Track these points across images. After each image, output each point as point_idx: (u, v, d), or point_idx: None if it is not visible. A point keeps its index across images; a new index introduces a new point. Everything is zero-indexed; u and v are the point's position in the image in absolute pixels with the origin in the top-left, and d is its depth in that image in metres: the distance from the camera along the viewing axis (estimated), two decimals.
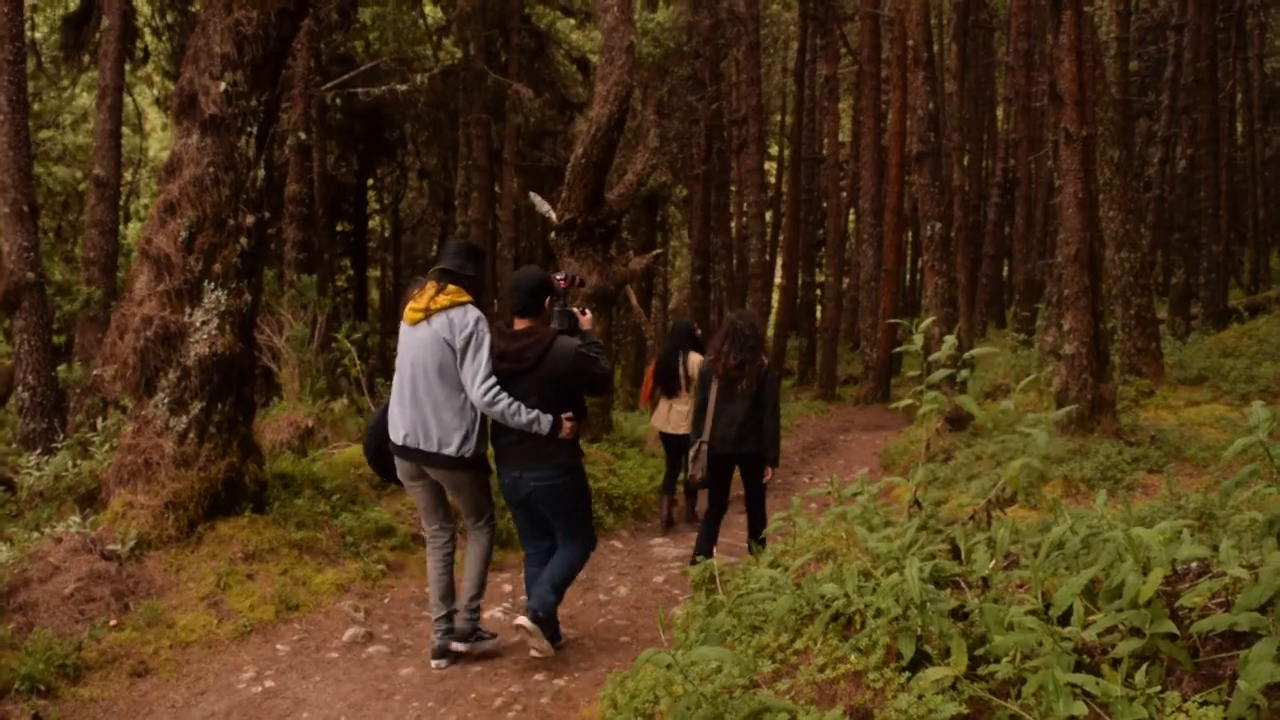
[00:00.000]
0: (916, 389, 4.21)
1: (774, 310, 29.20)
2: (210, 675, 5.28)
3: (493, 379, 4.89)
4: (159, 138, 21.92)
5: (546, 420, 4.99)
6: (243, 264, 6.64)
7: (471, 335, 4.87)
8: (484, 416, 5.05)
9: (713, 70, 25.41)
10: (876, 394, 20.80)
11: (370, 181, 28.44)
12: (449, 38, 22.73)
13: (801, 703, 3.26)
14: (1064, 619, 2.96)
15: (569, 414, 5.11)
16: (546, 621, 5.21)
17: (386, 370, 19.72)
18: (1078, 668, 2.84)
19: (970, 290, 24.84)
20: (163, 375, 6.40)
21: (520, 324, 5.10)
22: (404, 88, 17.43)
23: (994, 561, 3.57)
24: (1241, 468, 3.02)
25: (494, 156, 22.88)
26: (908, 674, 3.17)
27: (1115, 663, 2.72)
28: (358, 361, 9.88)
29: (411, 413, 5.00)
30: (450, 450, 4.98)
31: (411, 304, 5.06)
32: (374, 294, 34.42)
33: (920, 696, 2.99)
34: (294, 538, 6.68)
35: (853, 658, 3.35)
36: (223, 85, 6.53)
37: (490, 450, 5.29)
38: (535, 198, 11.33)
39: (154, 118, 21.42)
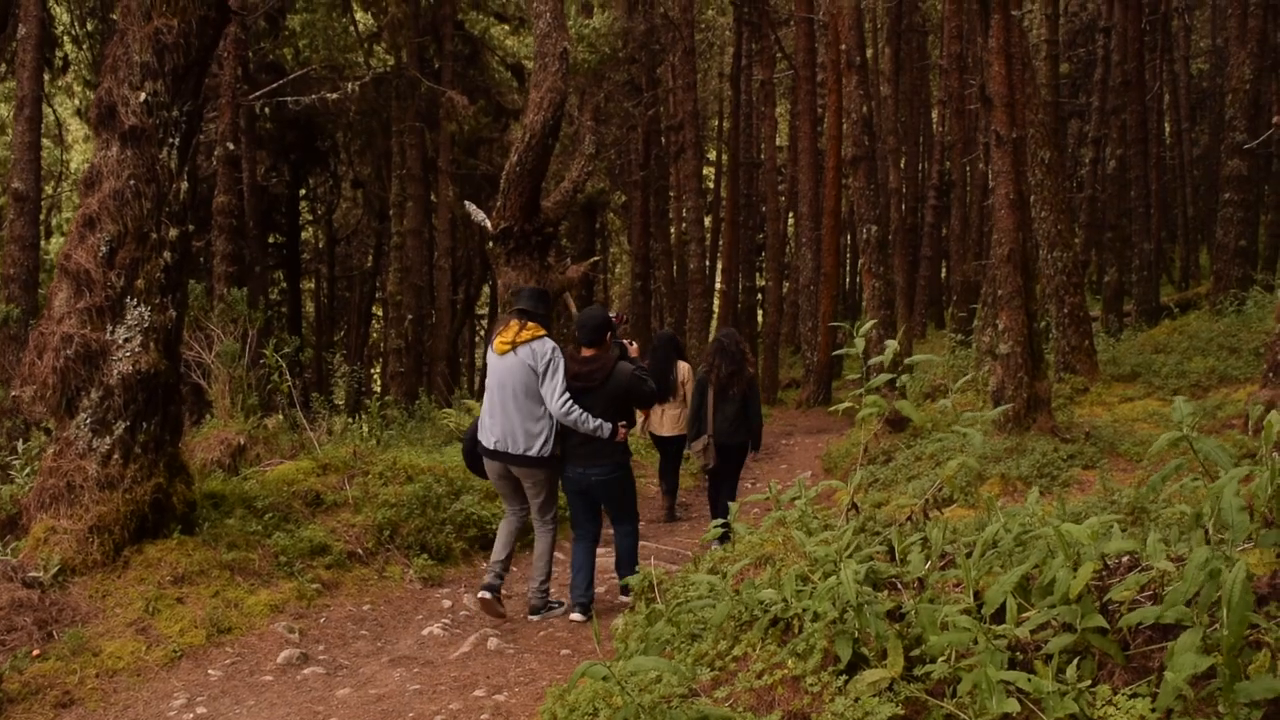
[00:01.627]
0: (857, 392, 4.22)
1: (714, 316, 29.31)
2: (139, 704, 5.12)
3: (568, 394, 6.15)
4: (81, 150, 21.43)
5: (607, 427, 6.22)
6: (167, 279, 6.48)
7: (550, 361, 6.13)
8: (556, 425, 6.25)
9: (649, 76, 25.45)
10: (818, 397, 20.94)
11: (303, 192, 28.06)
12: (380, 44, 22.50)
13: (740, 709, 3.23)
14: (998, 617, 2.97)
15: (624, 422, 6.36)
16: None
17: (322, 385, 19.45)
18: (1011, 665, 2.84)
19: (909, 292, 25.17)
20: (85, 395, 6.22)
21: (587, 352, 6.38)
22: (335, 96, 17.18)
23: (929, 562, 3.57)
24: (1170, 462, 3.04)
25: (429, 165, 22.68)
26: (845, 677, 3.16)
27: (1048, 658, 2.72)
28: (288, 376, 9.69)
29: (502, 423, 6.22)
30: (532, 452, 6.21)
31: (499, 338, 6.31)
32: (309, 306, 33.96)
33: (857, 699, 2.97)
34: (225, 559, 6.52)
35: (790, 663, 3.33)
36: (143, 95, 6.37)
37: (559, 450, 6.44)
38: (470, 206, 11.22)
39: (76, 129, 20.94)
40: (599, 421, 6.18)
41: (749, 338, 29.88)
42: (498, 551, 6.51)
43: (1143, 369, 12.46)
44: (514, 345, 6.21)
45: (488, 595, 6.31)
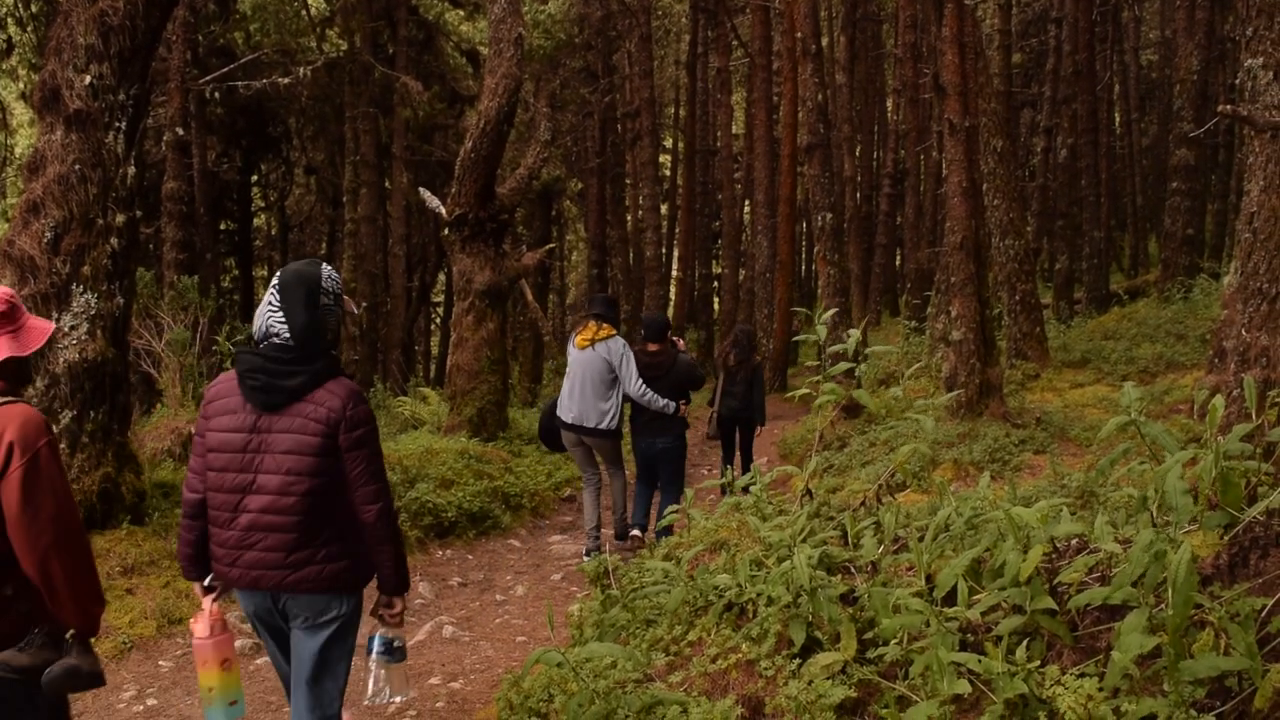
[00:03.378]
0: (813, 379, 4.24)
1: (671, 303, 29.33)
2: (88, 696, 5.04)
3: (641, 379, 7.45)
4: (26, 134, 20.95)
5: (672, 405, 7.56)
6: (114, 265, 6.37)
7: (623, 355, 7.45)
8: (621, 405, 7.55)
9: (605, 63, 25.38)
10: (774, 384, 20.99)
11: (254, 178, 27.64)
12: (333, 29, 22.20)
13: (694, 694, 3.24)
14: (950, 599, 3.00)
15: (683, 400, 7.72)
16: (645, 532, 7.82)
17: None
18: (962, 646, 2.88)
19: (864, 279, 25.33)
20: (29, 384, 6.09)
21: (653, 347, 7.79)
22: (287, 81, 16.93)
23: (882, 546, 3.60)
24: (1118, 446, 3.09)
25: (383, 151, 22.44)
26: (799, 660, 3.18)
27: (998, 640, 2.76)
28: None
29: (579, 403, 7.48)
30: (602, 426, 7.49)
31: (580, 336, 7.59)
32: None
33: (810, 682, 3.00)
34: (175, 549, 6.43)
35: (745, 647, 3.35)
36: (88, 78, 6.25)
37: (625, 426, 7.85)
38: (425, 193, 11.15)
39: (20, 113, 20.44)
40: (666, 400, 7.53)
41: (705, 325, 29.97)
42: (590, 518, 7.87)
43: (1093, 355, 12.64)
44: (593, 342, 7.47)
45: (597, 548, 7.70)
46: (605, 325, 7.56)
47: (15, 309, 3.06)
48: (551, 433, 7.85)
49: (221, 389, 3.37)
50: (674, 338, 8.06)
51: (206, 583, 3.53)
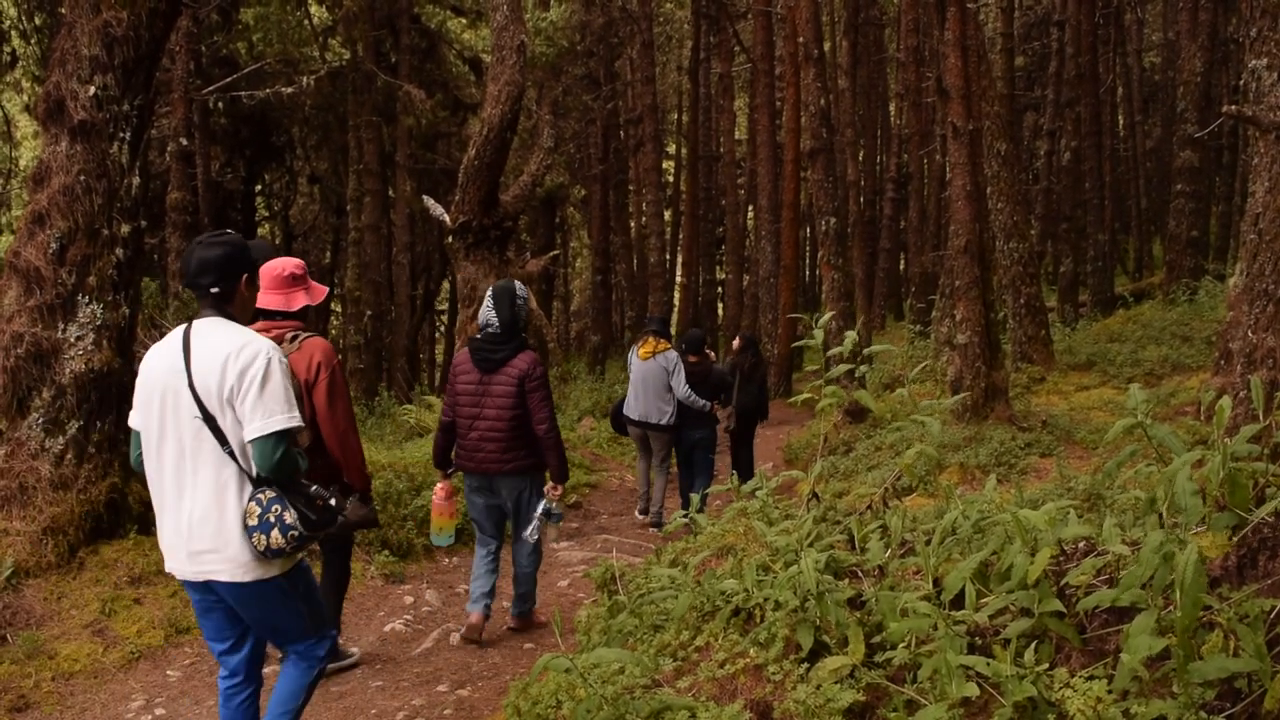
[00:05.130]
0: (816, 383, 4.23)
1: (675, 309, 29.33)
2: (96, 706, 5.05)
3: (687, 384, 8.91)
4: (30, 146, 21.01)
5: (708, 405, 9.07)
6: (119, 275, 6.38)
7: (676, 364, 8.91)
8: (676, 405, 9.00)
9: (608, 69, 25.41)
10: (779, 389, 20.97)
11: (258, 187, 27.66)
12: (336, 38, 22.25)
13: (702, 699, 3.24)
14: (958, 603, 2.99)
15: (715, 401, 9.22)
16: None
17: None
18: (970, 650, 2.87)
19: (868, 284, 25.30)
20: (36, 395, 6.12)
21: (693, 358, 9.32)
22: (290, 90, 16.98)
23: (889, 550, 3.59)
24: (1125, 448, 3.08)
25: (386, 160, 22.48)
26: (807, 665, 3.17)
27: (1006, 643, 2.75)
28: None
29: (644, 404, 9.05)
30: (662, 422, 9.04)
31: (643, 349, 9.08)
32: None
33: (818, 686, 2.99)
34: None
35: (752, 651, 3.34)
36: (92, 89, 6.27)
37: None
38: (428, 201, 11.16)
39: (24, 125, 20.52)
40: (704, 401, 9.03)
41: (710, 331, 29.98)
42: (642, 485, 9.63)
43: (1098, 358, 12.62)
44: (654, 354, 8.99)
45: (645, 509, 9.58)
46: (662, 340, 9.08)
47: (306, 273, 4.98)
48: (620, 424, 9.61)
49: (461, 361, 5.83)
50: (708, 350, 9.66)
51: (448, 472, 5.94)
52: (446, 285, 31.38)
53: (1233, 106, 4.59)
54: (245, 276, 3.62)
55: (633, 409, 9.16)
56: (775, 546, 3.81)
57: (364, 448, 5.49)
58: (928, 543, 3.29)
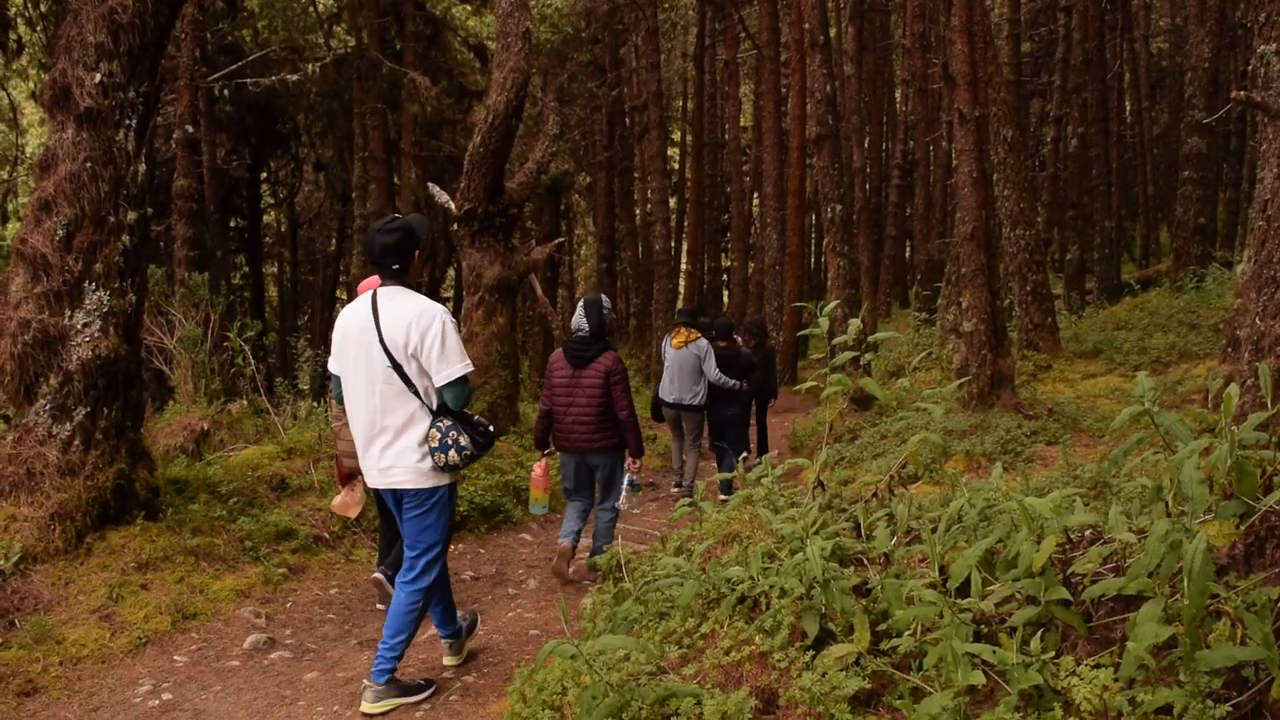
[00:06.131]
0: (822, 371, 4.23)
1: (680, 296, 29.28)
2: (104, 691, 5.07)
3: (718, 367, 9.65)
4: (36, 133, 21.01)
5: (737, 385, 9.80)
6: (125, 262, 6.38)
7: (707, 351, 9.61)
8: (707, 388, 9.73)
9: (613, 56, 25.34)
10: (784, 376, 20.98)
11: (264, 175, 27.64)
12: (341, 25, 22.18)
13: (708, 686, 3.24)
14: (963, 591, 2.99)
15: (744, 382, 9.94)
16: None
17: (286, 370, 19.23)
18: (976, 638, 2.87)
19: (874, 271, 25.25)
20: (43, 381, 6.12)
21: (722, 343, 10.01)
22: (295, 77, 16.90)
23: (895, 537, 3.59)
24: (1131, 436, 3.07)
25: (391, 147, 22.44)
26: (812, 652, 3.18)
27: (1012, 631, 2.75)
28: (251, 360, 9.58)
29: (678, 388, 9.74)
30: (694, 402, 9.73)
31: (676, 338, 9.72)
32: (272, 290, 33.57)
33: (824, 674, 2.99)
34: (190, 544, 6.46)
35: (758, 639, 3.35)
36: (98, 76, 6.25)
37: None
38: (434, 188, 11.14)
39: (31, 112, 20.52)
40: (734, 381, 9.75)
41: (715, 317, 30.00)
42: (676, 461, 10.50)
43: (1104, 346, 12.59)
44: (686, 343, 9.64)
45: (679, 482, 10.44)
46: (693, 330, 9.78)
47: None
48: (659, 413, 10.35)
49: (556, 359, 6.96)
50: (738, 335, 10.52)
51: (546, 451, 6.94)
52: (451, 272, 31.37)
53: (1241, 92, 4.56)
54: (416, 255, 4.78)
55: (668, 392, 9.89)
56: (781, 534, 3.81)
57: None
58: (933, 530, 3.29)
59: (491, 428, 4.78)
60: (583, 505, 7.09)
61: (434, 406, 4.59)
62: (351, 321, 4.64)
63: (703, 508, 4.66)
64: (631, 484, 6.95)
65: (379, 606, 6.40)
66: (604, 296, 7.03)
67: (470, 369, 4.62)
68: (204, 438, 8.47)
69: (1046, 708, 2.54)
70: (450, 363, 4.52)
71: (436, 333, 4.48)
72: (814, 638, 3.22)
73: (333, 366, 4.78)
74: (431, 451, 4.55)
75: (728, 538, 4.36)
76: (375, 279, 5.67)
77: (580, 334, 6.84)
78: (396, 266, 4.63)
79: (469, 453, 4.57)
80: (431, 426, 4.56)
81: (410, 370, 4.51)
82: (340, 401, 4.83)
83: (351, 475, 6.17)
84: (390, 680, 4.70)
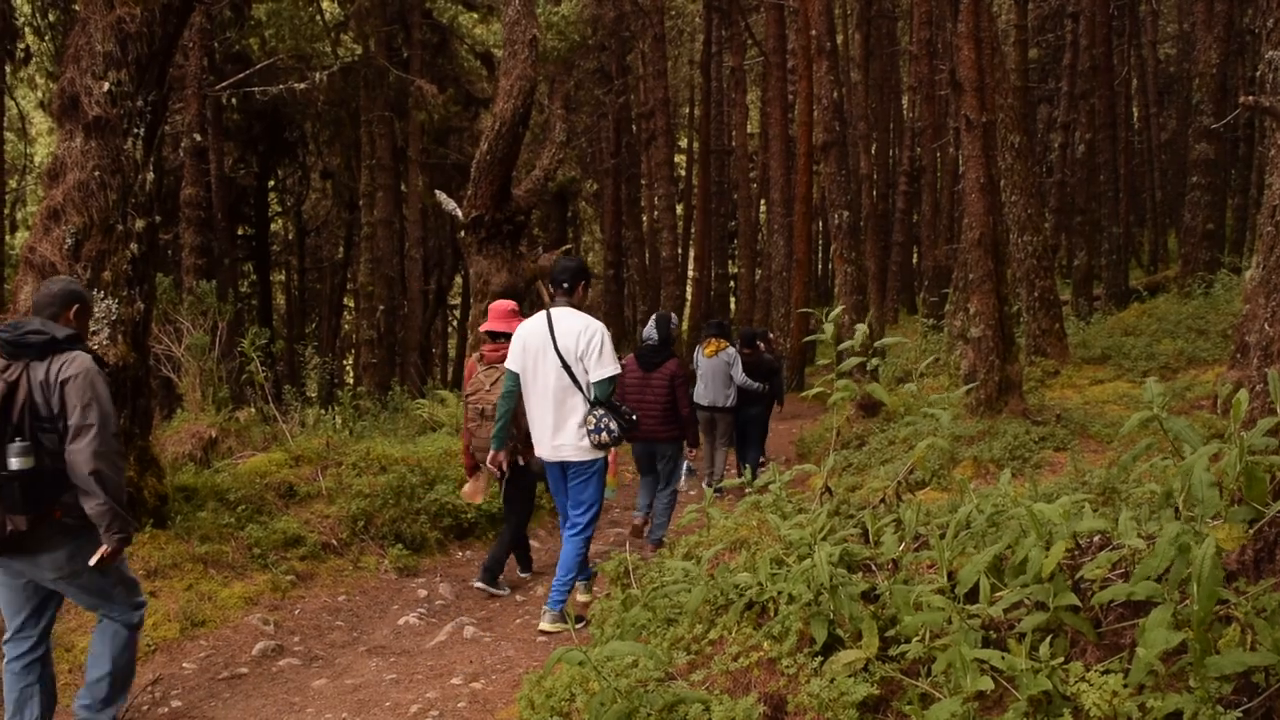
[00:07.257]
0: (829, 377, 4.23)
1: (688, 303, 29.30)
2: None
3: (744, 372, 10.23)
4: (45, 143, 21.10)
5: (759, 386, 10.51)
6: (134, 271, 6.41)
7: (735, 358, 10.10)
8: (736, 391, 10.21)
9: (619, 63, 25.38)
10: (791, 383, 20.97)
11: (271, 183, 27.73)
12: (348, 34, 22.28)
13: (716, 692, 3.24)
14: (972, 596, 2.98)
15: (766, 384, 10.74)
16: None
17: (294, 377, 19.27)
18: (985, 643, 2.86)
19: (881, 277, 25.23)
20: None
21: (746, 351, 10.63)
22: (303, 86, 16.97)
23: (903, 543, 3.59)
24: (1140, 442, 3.06)
25: (398, 155, 22.50)
26: (820, 658, 3.17)
27: (1021, 637, 2.74)
28: (261, 368, 9.61)
29: (711, 391, 10.17)
30: (726, 405, 10.16)
31: (707, 349, 10.20)
32: (279, 298, 33.65)
33: (832, 680, 2.99)
34: (198, 552, 6.47)
35: (766, 645, 3.34)
36: (106, 85, 6.29)
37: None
38: (441, 195, 11.17)
39: (39, 122, 20.62)
40: (758, 384, 10.49)
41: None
42: (706, 465, 10.61)
43: (1112, 352, 12.55)
44: (717, 352, 10.15)
45: (710, 482, 10.51)
46: (723, 340, 10.38)
47: (518, 310, 7.03)
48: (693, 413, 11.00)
49: (630, 363, 7.95)
50: (759, 342, 11.25)
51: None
52: (459, 280, 31.42)
53: (1250, 97, 4.55)
54: (583, 283, 6.09)
55: (702, 396, 10.46)
56: (789, 540, 3.80)
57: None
58: (942, 536, 3.29)
59: (635, 416, 6.05)
60: (652, 482, 8.32)
61: (591, 399, 5.78)
62: (533, 331, 5.90)
63: (711, 514, 4.66)
64: (689, 469, 8.62)
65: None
66: (672, 314, 8.56)
67: (617, 370, 5.89)
68: (212, 445, 8.49)
69: (1056, 713, 2.53)
70: (605, 365, 5.80)
71: (598, 342, 5.78)
72: (822, 643, 3.21)
73: (511, 365, 5.96)
74: (589, 432, 5.77)
75: (736, 543, 4.36)
76: (501, 303, 7.22)
77: (650, 342, 8.21)
78: (567, 286, 5.95)
79: (617, 434, 5.79)
80: (589, 414, 5.78)
81: (577, 370, 5.78)
82: (520, 396, 6.00)
83: (477, 467, 6.95)
84: (562, 610, 5.86)
